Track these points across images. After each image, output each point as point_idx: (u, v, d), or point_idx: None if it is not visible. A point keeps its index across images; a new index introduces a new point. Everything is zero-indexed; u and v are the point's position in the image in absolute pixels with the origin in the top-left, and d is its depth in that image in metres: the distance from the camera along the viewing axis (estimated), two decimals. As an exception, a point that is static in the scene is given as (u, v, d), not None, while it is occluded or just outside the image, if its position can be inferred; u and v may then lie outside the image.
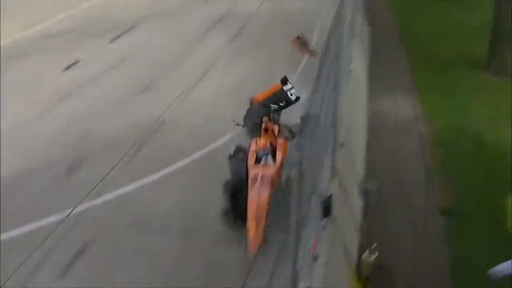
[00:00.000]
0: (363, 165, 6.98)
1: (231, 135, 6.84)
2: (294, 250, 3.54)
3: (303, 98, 6.04)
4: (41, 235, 5.52)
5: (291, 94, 6.21)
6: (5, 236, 5.58)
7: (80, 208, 5.95)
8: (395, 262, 5.44)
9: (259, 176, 5.35)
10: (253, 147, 5.68)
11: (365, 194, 6.17)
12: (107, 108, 8.51)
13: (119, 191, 6.28)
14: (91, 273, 5.10)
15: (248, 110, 6.25)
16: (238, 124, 6.05)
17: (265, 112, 6.09)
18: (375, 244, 5.22)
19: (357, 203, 6.01)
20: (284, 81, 6.33)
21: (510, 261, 4.63)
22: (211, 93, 8.88)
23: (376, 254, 5.17)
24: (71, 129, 7.85)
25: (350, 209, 5.64)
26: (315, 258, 3.96)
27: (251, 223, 5.09)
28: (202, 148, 7.06)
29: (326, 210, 4.45)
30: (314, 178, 4.59)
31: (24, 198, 6.23)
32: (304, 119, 4.65)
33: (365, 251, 5.21)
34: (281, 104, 6.22)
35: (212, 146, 7.10)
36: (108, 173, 6.51)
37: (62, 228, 5.65)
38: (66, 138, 7.63)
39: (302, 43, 9.47)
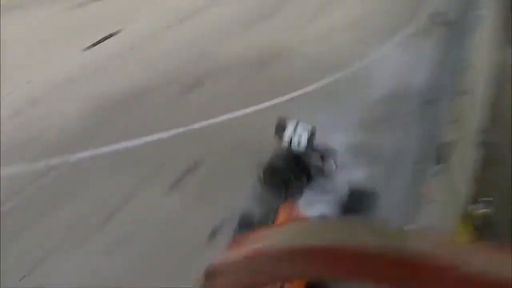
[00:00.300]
0: (484, 115, 6.66)
1: (351, 70, 6.66)
2: (407, 193, 3.47)
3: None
4: (154, 150, 5.74)
5: (298, 143, 4.08)
6: (116, 147, 5.86)
7: (193, 127, 6.09)
8: (506, 217, 5.22)
9: None
10: None
11: (484, 145, 5.90)
12: (228, 31, 8.55)
13: (232, 114, 6.33)
14: (198, 191, 5.22)
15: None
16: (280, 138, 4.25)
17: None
18: (488, 199, 5.03)
19: (475, 153, 5.78)
20: (280, 128, 4.34)
21: None
22: (332, 25, 8.65)
23: (487, 208, 5.00)
24: (192, 49, 7.98)
25: (467, 158, 5.43)
26: (427, 202, 3.88)
27: None
28: (318, 79, 6.96)
29: (441, 156, 4.33)
30: (432, 124, 4.45)
31: (142, 112, 6.46)
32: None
33: (477, 202, 5.04)
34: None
35: (328, 79, 6.96)
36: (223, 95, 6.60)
37: (174, 144, 5.83)
38: (186, 57, 7.76)
39: None
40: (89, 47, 8.36)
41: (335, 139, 4.91)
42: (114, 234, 4.45)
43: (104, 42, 8.51)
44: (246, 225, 3.79)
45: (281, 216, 3.47)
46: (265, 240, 1.32)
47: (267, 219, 3.60)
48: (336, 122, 5.25)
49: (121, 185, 5.13)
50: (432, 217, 3.83)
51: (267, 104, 6.52)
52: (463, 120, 5.31)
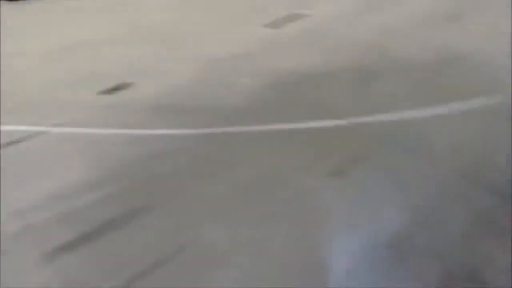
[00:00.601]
0: None
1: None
2: None
3: None
4: (319, 135, 5.63)
5: None
6: (283, 126, 5.81)
7: (362, 119, 5.94)
8: None
9: None
10: None
11: None
12: (414, 27, 8.36)
13: (402, 114, 6.09)
14: (356, 185, 5.05)
15: None
16: None
17: None
18: None
19: None
20: None
21: None
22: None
23: None
24: (375, 41, 7.88)
25: None
26: None
27: None
28: (501, 91, 6.45)
29: None
30: None
31: (315, 96, 6.38)
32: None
33: None
34: None
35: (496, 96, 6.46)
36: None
37: (341, 134, 5.66)
38: (368, 48, 7.69)
39: None
40: (270, 24, 8.51)
41: None
42: (267, 209, 4.42)
43: (289, 21, 8.62)
44: None
45: None
46: None
47: None
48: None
49: (281, 164, 5.09)
50: None
51: (439, 110, 6.20)
52: None
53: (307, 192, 4.75)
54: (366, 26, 8.51)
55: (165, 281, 3.49)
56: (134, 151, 5.23)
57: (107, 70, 7.46)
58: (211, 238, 3.98)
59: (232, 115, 5.96)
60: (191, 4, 10.79)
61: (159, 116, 5.97)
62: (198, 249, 3.84)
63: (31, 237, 4.00)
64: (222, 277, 3.55)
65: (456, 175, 5.26)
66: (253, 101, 6.25)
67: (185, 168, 4.96)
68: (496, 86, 6.53)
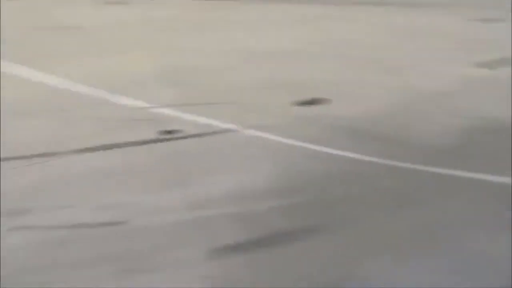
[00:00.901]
0: None
1: None
2: None
3: None
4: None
5: None
6: (472, 175, 5.31)
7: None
8: None
9: None
10: None
11: None
12: None
13: None
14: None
15: None
16: None
17: None
18: None
19: None
20: None
21: None
22: None
23: None
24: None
25: None
26: None
27: None
28: None
29: None
30: None
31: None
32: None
33: None
34: None
35: None
36: None
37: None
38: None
39: None
40: (483, 64, 8.16)
41: None
42: (444, 258, 4.02)
43: (505, 64, 8.21)
44: None
45: None
46: None
47: None
48: None
49: (469, 214, 4.63)
50: None
51: None
52: None
53: (491, 251, 4.33)
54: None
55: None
56: (319, 168, 5.15)
57: (303, 82, 7.54)
58: (379, 273, 3.75)
59: (426, 153, 5.67)
60: (396, 31, 10.67)
61: (351, 138, 5.87)
62: (363, 281, 3.63)
63: (203, 230, 4.06)
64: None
65: None
66: (450, 143, 5.91)
67: (366, 196, 4.78)
68: None
